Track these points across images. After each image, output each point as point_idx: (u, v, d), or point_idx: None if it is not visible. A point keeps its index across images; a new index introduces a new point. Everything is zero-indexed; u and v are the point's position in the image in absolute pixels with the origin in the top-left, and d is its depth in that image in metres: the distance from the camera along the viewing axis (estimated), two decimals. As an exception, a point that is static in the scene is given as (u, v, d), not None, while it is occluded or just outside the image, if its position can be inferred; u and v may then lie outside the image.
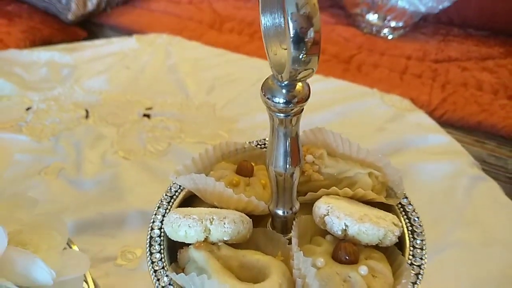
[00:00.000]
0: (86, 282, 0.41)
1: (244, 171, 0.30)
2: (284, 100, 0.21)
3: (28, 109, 0.71)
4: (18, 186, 0.57)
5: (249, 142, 0.33)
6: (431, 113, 0.87)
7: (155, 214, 0.28)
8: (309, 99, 0.22)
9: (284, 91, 0.21)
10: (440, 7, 1.04)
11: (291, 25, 0.18)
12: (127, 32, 1.23)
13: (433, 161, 0.57)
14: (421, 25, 1.13)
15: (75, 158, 0.60)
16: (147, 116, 0.67)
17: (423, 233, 0.27)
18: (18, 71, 0.82)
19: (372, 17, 1.10)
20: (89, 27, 1.32)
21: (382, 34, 1.09)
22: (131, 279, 0.44)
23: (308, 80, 0.69)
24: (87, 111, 0.69)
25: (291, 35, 0.18)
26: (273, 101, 0.22)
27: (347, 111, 0.67)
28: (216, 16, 1.20)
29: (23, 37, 1.23)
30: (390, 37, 1.09)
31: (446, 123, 0.87)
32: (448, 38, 1.09)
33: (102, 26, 1.33)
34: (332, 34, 1.14)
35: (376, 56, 1.03)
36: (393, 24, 1.08)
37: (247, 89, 0.72)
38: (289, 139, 0.23)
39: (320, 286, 0.23)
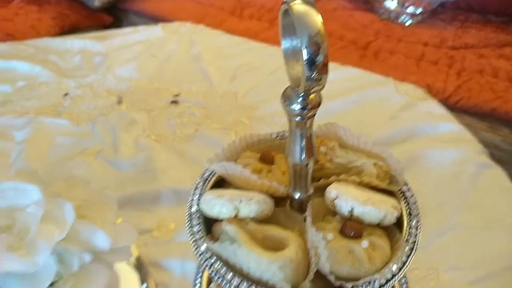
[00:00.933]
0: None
1: (266, 159, 0.35)
2: (300, 107, 0.26)
3: (65, 95, 0.77)
4: (62, 167, 0.64)
5: (270, 134, 0.38)
6: (446, 100, 0.90)
7: (192, 195, 0.34)
8: (321, 104, 0.27)
9: (300, 99, 0.26)
10: (459, -7, 1.05)
11: (304, 51, 0.23)
12: (151, 17, 1.28)
13: (442, 149, 0.61)
14: (439, 11, 1.14)
15: (111, 141, 0.66)
16: (175, 102, 0.73)
17: (419, 216, 0.32)
18: (54, 59, 0.88)
19: (391, 3, 1.12)
20: (114, 13, 1.38)
21: (400, 20, 1.11)
22: (167, 249, 0.50)
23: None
24: (119, 98, 0.75)
25: (305, 59, 0.23)
26: (290, 107, 0.27)
27: (361, 100, 0.71)
28: (237, 2, 1.24)
29: (53, 23, 1.29)
30: (408, 23, 1.11)
31: (461, 110, 0.90)
32: (466, 25, 1.10)
33: (127, 12, 1.38)
34: (350, 20, 1.17)
35: (393, 42, 1.05)
36: (411, 10, 1.10)
37: (267, 78, 0.77)
38: (304, 138, 0.29)
39: (328, 255, 0.28)
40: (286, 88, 0.27)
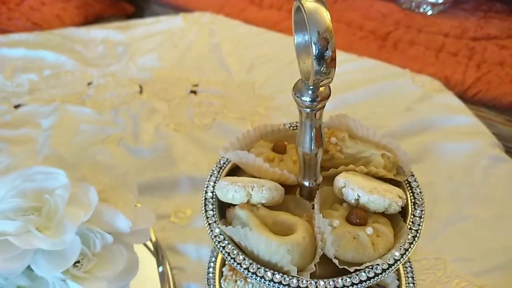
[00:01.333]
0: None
1: (279, 149, 0.37)
2: (310, 99, 0.28)
3: (89, 84, 0.80)
4: (85, 153, 0.67)
5: (283, 125, 0.39)
6: (464, 92, 0.89)
7: (208, 181, 0.36)
8: (330, 96, 0.29)
9: (310, 92, 0.28)
10: (482, -18, 1.02)
11: (314, 46, 0.24)
12: (172, 6, 1.30)
13: (456, 141, 0.61)
14: (462, 0, 1.12)
15: (132, 129, 0.68)
16: (194, 92, 0.75)
17: (423, 205, 0.33)
18: (78, 48, 0.91)
19: (412, -7, 1.10)
20: (136, 2, 1.40)
21: (421, 10, 1.10)
22: (183, 234, 0.53)
23: (343, 60, 0.74)
24: (141, 87, 0.77)
25: (314, 54, 0.24)
26: (301, 99, 0.28)
27: (378, 91, 0.71)
28: (257, -9, 1.24)
29: (78, 13, 1.33)
30: (429, 13, 1.09)
31: (479, 102, 0.89)
32: (489, 15, 1.07)
33: (149, 1, 1.40)
34: (371, 10, 1.16)
35: (413, 33, 1.04)
36: (432, -1, 1.08)
37: (283, 68, 0.78)
38: (314, 129, 0.30)
39: (333, 240, 0.30)
40: (298, 81, 0.29)
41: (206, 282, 0.41)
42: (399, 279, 0.40)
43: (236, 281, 0.38)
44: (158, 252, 0.49)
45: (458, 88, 0.87)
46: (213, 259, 0.43)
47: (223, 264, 0.42)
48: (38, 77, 0.82)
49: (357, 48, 0.97)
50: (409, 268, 0.41)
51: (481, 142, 0.60)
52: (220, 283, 0.40)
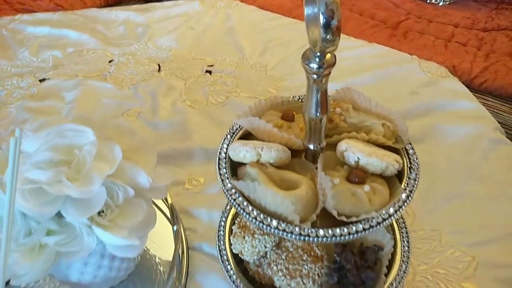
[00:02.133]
0: (165, 197, 0.54)
1: (287, 117, 0.40)
2: (317, 66, 0.31)
3: (110, 61, 0.84)
4: (106, 125, 0.71)
5: (293, 97, 0.43)
6: (471, 81, 0.91)
7: (222, 144, 0.40)
8: (335, 65, 0.32)
9: (317, 59, 0.31)
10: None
11: (321, 16, 0.27)
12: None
13: (458, 124, 0.64)
14: (474, -8, 1.13)
15: (150, 104, 0.72)
16: (209, 72, 0.79)
17: (418, 170, 0.36)
18: (100, 28, 0.95)
19: (425, -17, 1.11)
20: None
21: (433, 1, 1.11)
22: (196, 199, 0.56)
23: (352, 46, 0.77)
24: (159, 66, 0.81)
25: (322, 23, 0.27)
26: (309, 66, 0.31)
27: (385, 75, 0.74)
28: (272, -21, 1.26)
29: (98, -5, 1.37)
30: (441, 3, 1.11)
31: (485, 91, 0.91)
32: (501, 6, 1.08)
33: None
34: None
35: (424, 23, 1.06)
36: (445, -10, 1.10)
37: (295, 52, 0.81)
38: (320, 94, 0.33)
39: (333, 195, 0.33)
40: (306, 49, 0.32)
41: (217, 238, 0.45)
42: (395, 242, 0.43)
43: (244, 237, 0.42)
44: (173, 213, 0.53)
45: (465, 77, 0.89)
46: (224, 218, 0.46)
47: (232, 223, 0.45)
48: (61, 54, 0.86)
49: (368, 36, 1.00)
50: (405, 234, 0.44)
51: (482, 125, 0.63)
52: (229, 239, 0.44)
